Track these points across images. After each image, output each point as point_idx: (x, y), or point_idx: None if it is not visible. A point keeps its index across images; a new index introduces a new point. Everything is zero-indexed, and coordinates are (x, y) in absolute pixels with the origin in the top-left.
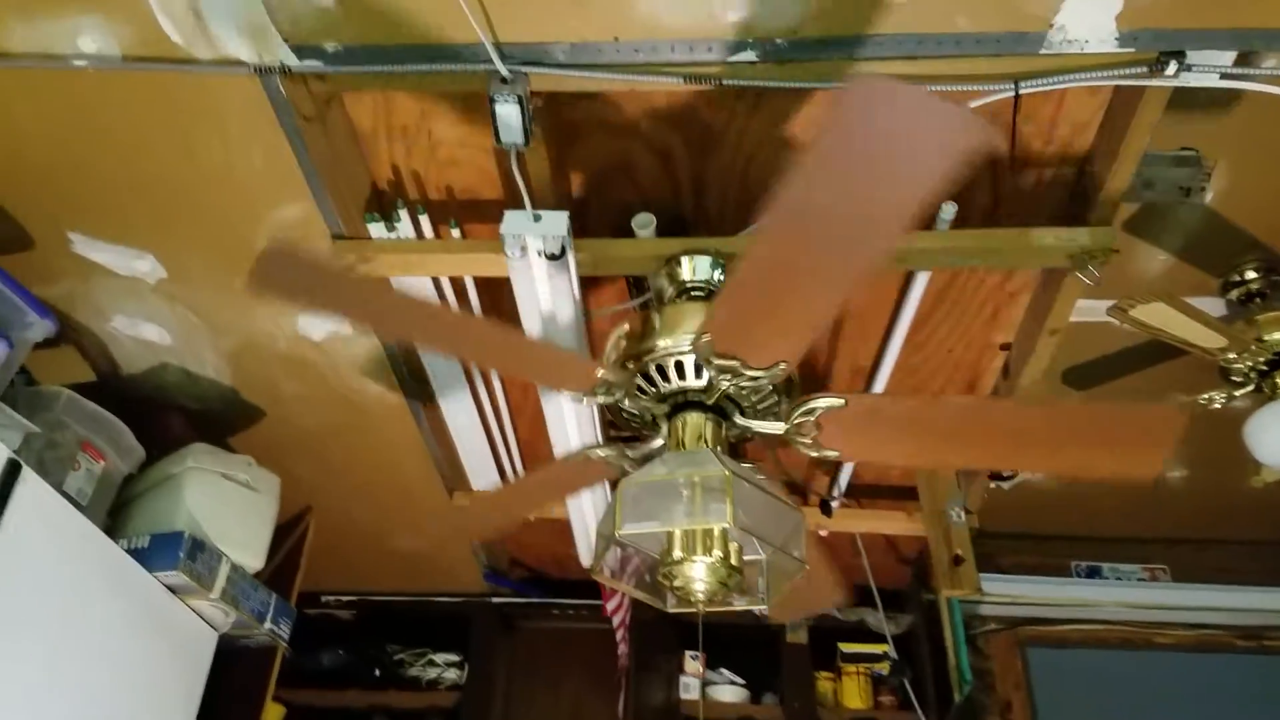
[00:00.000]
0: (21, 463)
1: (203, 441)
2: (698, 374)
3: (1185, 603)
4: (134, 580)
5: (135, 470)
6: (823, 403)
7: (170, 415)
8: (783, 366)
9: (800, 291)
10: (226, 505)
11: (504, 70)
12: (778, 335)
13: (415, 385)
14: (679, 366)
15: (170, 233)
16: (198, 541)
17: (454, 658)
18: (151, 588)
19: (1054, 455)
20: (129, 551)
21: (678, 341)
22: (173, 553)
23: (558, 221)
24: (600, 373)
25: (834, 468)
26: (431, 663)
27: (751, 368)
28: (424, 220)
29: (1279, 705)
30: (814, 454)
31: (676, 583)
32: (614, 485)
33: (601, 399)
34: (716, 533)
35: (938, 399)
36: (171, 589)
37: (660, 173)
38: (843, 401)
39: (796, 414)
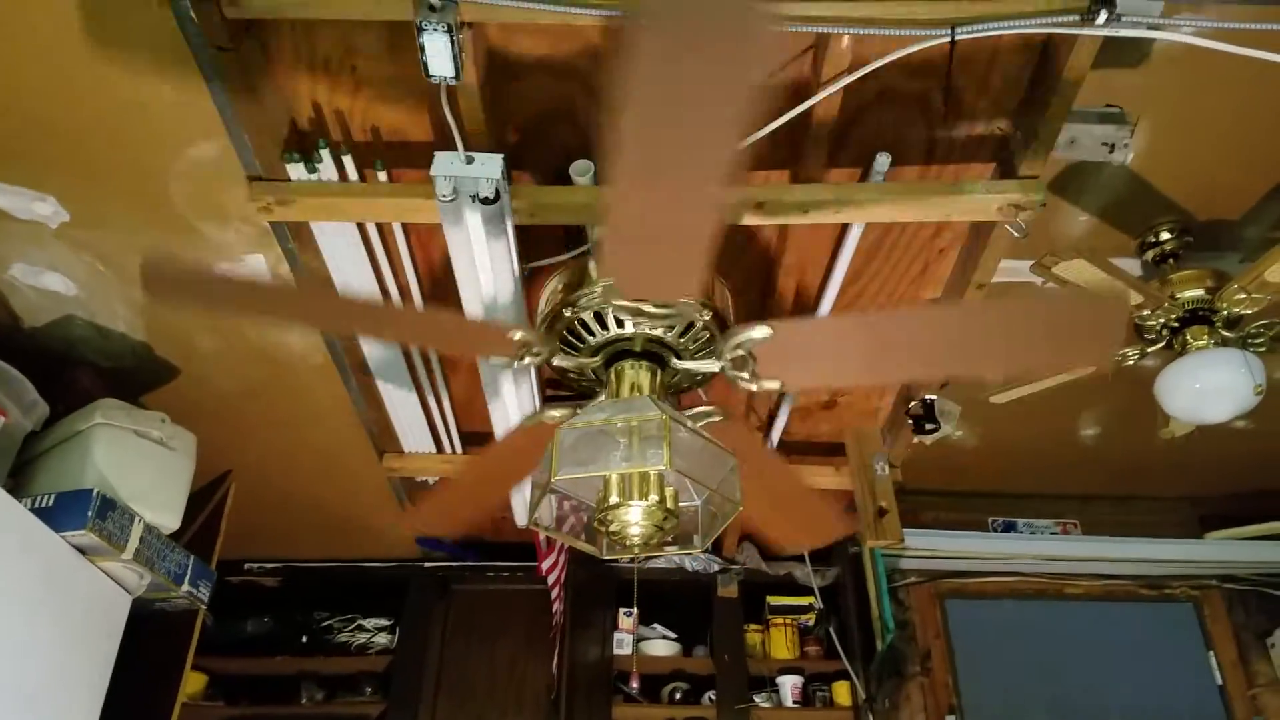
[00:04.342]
0: None
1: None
2: (618, 323)
3: (1094, 554)
4: (39, 541)
5: (39, 427)
6: (753, 333)
7: (78, 371)
8: (688, 301)
9: (670, 221)
10: (139, 463)
11: None
12: (669, 271)
13: (341, 341)
14: (599, 317)
15: (73, 173)
16: (108, 500)
17: (384, 622)
18: (58, 549)
19: (1000, 356)
20: (33, 511)
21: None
22: (81, 512)
23: (491, 164)
24: (519, 335)
25: (766, 425)
26: (361, 628)
27: (658, 306)
28: (348, 162)
29: (1179, 647)
30: (754, 388)
31: (613, 528)
32: None
33: (529, 360)
34: (653, 476)
35: (871, 314)
36: (80, 550)
37: (602, 117)
38: (770, 331)
39: (729, 349)
